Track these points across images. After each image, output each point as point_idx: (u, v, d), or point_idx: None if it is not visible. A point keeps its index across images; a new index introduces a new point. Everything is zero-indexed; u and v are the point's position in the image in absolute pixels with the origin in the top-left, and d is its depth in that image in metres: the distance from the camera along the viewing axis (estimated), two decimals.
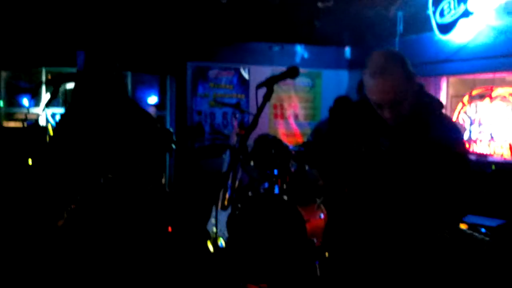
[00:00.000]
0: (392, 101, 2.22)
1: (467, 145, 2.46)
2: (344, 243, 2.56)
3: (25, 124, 5.27)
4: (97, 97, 2.80)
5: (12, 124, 7.00)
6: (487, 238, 3.47)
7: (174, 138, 2.73)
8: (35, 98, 7.03)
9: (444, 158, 2.25)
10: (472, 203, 2.35)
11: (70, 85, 7.00)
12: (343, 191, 2.53)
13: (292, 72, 2.02)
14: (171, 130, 2.59)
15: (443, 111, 2.43)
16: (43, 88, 7.03)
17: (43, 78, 6.84)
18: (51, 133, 6.37)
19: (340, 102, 5.50)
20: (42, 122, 6.81)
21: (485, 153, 6.14)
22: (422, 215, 2.29)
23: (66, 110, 2.98)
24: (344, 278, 2.54)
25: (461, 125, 6.48)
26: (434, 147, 2.25)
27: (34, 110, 6.72)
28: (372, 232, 2.41)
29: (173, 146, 2.69)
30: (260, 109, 1.94)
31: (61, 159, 2.83)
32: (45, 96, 6.81)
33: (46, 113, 6.89)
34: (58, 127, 2.97)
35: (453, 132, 2.35)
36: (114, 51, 2.77)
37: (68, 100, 6.73)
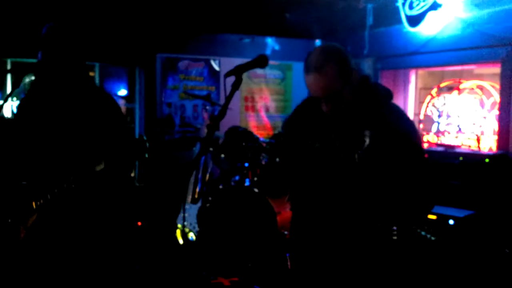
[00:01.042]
0: (326, 96, 2.28)
1: (419, 135, 2.49)
2: (302, 237, 2.57)
3: None
4: (58, 85, 2.70)
5: None
6: (433, 238, 3.54)
7: (147, 145, 2.66)
8: (0, 90, 6.87)
9: (398, 150, 2.27)
10: (436, 194, 2.37)
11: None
12: (302, 187, 2.55)
13: (261, 61, 1.99)
14: (144, 137, 2.53)
15: (392, 101, 2.46)
16: (8, 79, 6.87)
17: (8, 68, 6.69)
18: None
19: (307, 102, 5.51)
20: (6, 113, 6.66)
21: (453, 144, 6.22)
22: (377, 209, 2.31)
23: (22, 99, 2.87)
24: (303, 272, 2.56)
25: (430, 116, 6.56)
26: (388, 138, 2.28)
27: None
28: (328, 228, 2.42)
29: (146, 155, 2.61)
30: (229, 98, 1.91)
31: (22, 152, 2.75)
32: (10, 87, 6.66)
33: (11, 105, 6.74)
34: (15, 118, 2.87)
35: (405, 123, 2.37)
36: (79, 31, 2.67)
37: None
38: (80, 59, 2.71)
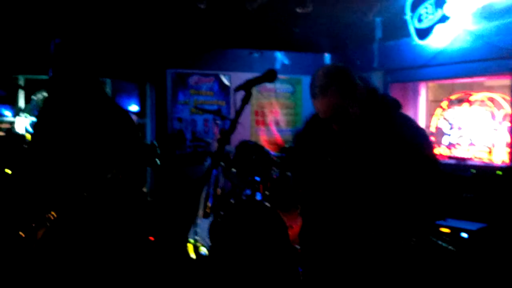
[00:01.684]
0: (333, 117, 2.36)
1: (433, 147, 2.49)
2: (315, 250, 2.57)
3: (0, 133, 5.19)
4: (69, 99, 2.74)
5: None
6: (451, 247, 3.52)
7: (158, 151, 2.68)
8: (13, 106, 6.94)
9: (412, 161, 2.29)
10: (448, 206, 2.38)
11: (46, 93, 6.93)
12: (314, 200, 2.56)
13: (270, 75, 2.01)
14: (155, 143, 2.55)
15: (402, 111, 2.49)
16: (20, 95, 6.95)
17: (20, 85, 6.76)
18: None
19: (317, 115, 5.52)
20: (19, 130, 6.72)
21: (464, 157, 6.19)
22: (391, 221, 2.31)
23: (39, 115, 2.91)
24: (316, 285, 2.55)
25: (440, 129, 6.53)
26: (399, 149, 2.30)
27: (10, 118, 6.63)
28: (341, 240, 2.42)
29: (157, 160, 2.64)
30: (239, 112, 1.93)
31: (39, 167, 2.78)
32: (23, 104, 6.72)
33: (24, 122, 6.80)
34: (33, 134, 2.91)
35: (418, 134, 2.40)
36: (90, 46, 2.71)
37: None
38: (89, 74, 2.73)
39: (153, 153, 2.64)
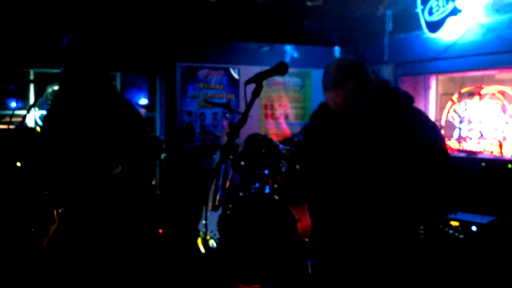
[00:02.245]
0: (346, 110, 2.34)
1: (444, 141, 2.50)
2: (324, 243, 2.58)
3: (11, 126, 5.22)
4: (81, 94, 2.75)
5: (0, 126, 6.94)
6: (461, 236, 3.51)
7: (164, 146, 2.69)
8: (23, 100, 6.98)
9: (424, 156, 2.30)
10: (458, 199, 2.38)
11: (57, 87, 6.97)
12: (323, 193, 2.56)
13: (281, 68, 2.01)
14: (162, 138, 2.55)
15: (414, 105, 2.50)
16: (31, 89, 6.98)
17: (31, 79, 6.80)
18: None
19: (324, 107, 5.52)
20: (30, 123, 6.76)
21: (475, 150, 6.16)
22: (402, 213, 2.32)
23: (48, 110, 2.93)
24: (325, 279, 2.56)
25: (451, 122, 6.50)
26: (411, 143, 2.31)
27: (21, 112, 6.67)
28: (352, 232, 2.43)
29: (162, 155, 2.65)
30: (249, 105, 1.93)
31: (48, 160, 2.79)
32: (33, 98, 6.76)
33: (34, 115, 6.84)
34: (43, 128, 2.93)
35: (430, 129, 2.41)
36: (101, 41, 2.72)
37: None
38: (102, 69, 2.75)
39: (159, 148, 2.65)
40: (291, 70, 2.01)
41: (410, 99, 2.49)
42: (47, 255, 2.67)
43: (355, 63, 2.37)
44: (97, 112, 2.74)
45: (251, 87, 1.99)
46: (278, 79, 8.19)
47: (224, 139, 5.61)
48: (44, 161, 2.82)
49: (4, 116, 7.08)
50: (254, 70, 2.06)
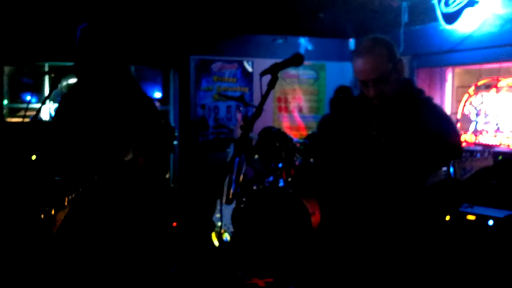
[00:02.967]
0: (375, 79, 2.38)
1: (458, 133, 2.54)
2: (340, 236, 2.59)
3: (26, 120, 5.26)
4: (97, 81, 2.75)
5: (15, 120, 6.99)
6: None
7: (176, 133, 2.68)
8: (38, 94, 7.02)
9: (437, 147, 2.35)
10: (474, 192, 2.38)
11: (73, 79, 7.00)
12: (338, 184, 2.59)
13: (296, 59, 1.99)
14: (173, 125, 2.57)
15: (433, 101, 2.58)
16: (46, 83, 7.02)
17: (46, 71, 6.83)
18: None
19: (340, 92, 5.50)
20: (44, 116, 6.80)
21: (491, 144, 6.08)
22: (416, 201, 2.35)
23: (61, 99, 2.94)
24: (343, 271, 2.57)
25: (467, 115, 6.43)
26: (425, 132, 2.37)
27: (36, 105, 6.71)
28: (369, 223, 2.42)
29: (175, 142, 2.64)
30: (265, 96, 1.91)
31: (59, 149, 2.80)
32: (48, 91, 6.80)
33: (49, 108, 6.88)
34: (54, 116, 2.93)
35: (446, 122, 2.47)
36: (114, 32, 2.72)
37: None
38: (116, 57, 2.74)
39: (171, 135, 2.64)
40: (305, 62, 2.00)
41: (429, 97, 2.56)
42: (57, 243, 2.68)
43: (387, 38, 2.48)
44: (109, 99, 2.74)
45: (266, 79, 1.97)
46: (292, 71, 8.15)
47: (238, 132, 5.60)
48: (55, 147, 2.82)
49: (19, 109, 7.12)
50: (268, 63, 2.04)
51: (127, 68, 2.91)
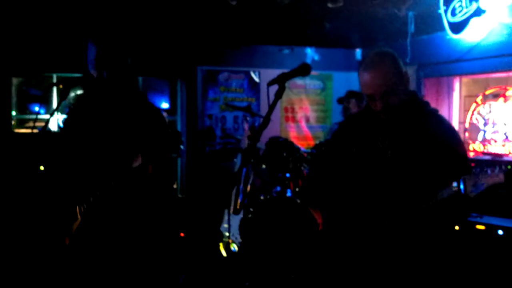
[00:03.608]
0: (382, 93, 2.38)
1: (464, 146, 2.55)
2: (342, 248, 2.59)
3: (35, 130, 5.29)
4: (108, 95, 2.78)
5: (23, 131, 7.03)
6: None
7: (182, 139, 2.72)
8: (46, 105, 7.06)
9: (444, 158, 2.35)
10: (481, 201, 2.37)
11: (81, 91, 7.04)
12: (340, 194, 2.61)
13: (304, 69, 2.00)
14: (179, 130, 2.60)
15: (439, 113, 2.58)
16: (54, 94, 7.06)
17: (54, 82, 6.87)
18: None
19: (351, 96, 5.51)
20: (53, 127, 6.83)
21: (500, 153, 6.06)
22: (425, 213, 2.34)
23: (70, 110, 2.97)
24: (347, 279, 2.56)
25: (475, 125, 6.41)
26: (432, 144, 2.37)
27: (44, 116, 6.74)
28: (374, 236, 2.42)
29: (181, 147, 2.68)
30: (272, 106, 1.92)
31: (69, 160, 2.81)
32: (56, 102, 6.84)
33: (57, 119, 6.91)
34: (64, 126, 2.96)
35: (452, 134, 2.47)
36: (126, 46, 2.76)
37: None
38: (126, 71, 2.78)
39: (177, 140, 2.67)
40: (312, 72, 2.01)
41: (435, 109, 2.57)
42: (71, 253, 2.69)
43: (392, 52, 2.48)
44: (119, 109, 2.77)
45: (273, 89, 1.98)
46: (299, 82, 8.17)
47: (245, 142, 5.60)
48: (65, 158, 2.84)
49: (27, 120, 7.16)
50: (275, 73, 2.05)
51: (136, 79, 2.95)
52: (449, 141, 2.40)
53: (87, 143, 2.76)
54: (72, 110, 2.95)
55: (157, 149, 2.59)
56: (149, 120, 2.77)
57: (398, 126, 2.45)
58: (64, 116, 6.89)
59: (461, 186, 2.22)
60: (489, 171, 2.23)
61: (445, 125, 2.50)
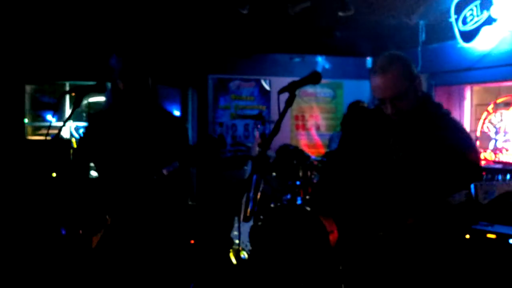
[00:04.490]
0: (392, 96, 2.38)
1: (477, 150, 2.53)
2: (357, 255, 2.58)
3: (48, 138, 5.34)
4: (130, 105, 2.85)
5: (36, 138, 7.09)
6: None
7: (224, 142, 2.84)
8: (59, 112, 7.12)
9: (456, 163, 2.32)
10: (493, 211, 2.36)
11: (93, 98, 7.10)
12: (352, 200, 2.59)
13: (314, 77, 2.02)
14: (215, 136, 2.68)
15: (451, 116, 2.56)
16: (67, 101, 7.12)
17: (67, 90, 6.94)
18: (75, 146, 6.44)
19: (353, 107, 5.52)
20: (65, 135, 6.89)
21: (511, 162, 6.02)
22: (436, 219, 2.34)
23: (92, 117, 3.04)
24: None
25: (486, 133, 6.38)
26: (444, 148, 2.35)
27: (57, 124, 6.81)
28: (386, 241, 2.41)
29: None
30: (283, 114, 1.94)
31: (87, 170, 2.87)
32: (69, 110, 6.90)
33: (70, 126, 6.97)
34: (88, 135, 3.00)
35: (464, 138, 2.45)
36: (149, 58, 2.86)
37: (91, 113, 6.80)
38: (147, 82, 2.86)
39: (221, 143, 2.76)
40: (322, 81, 2.03)
41: (448, 111, 2.56)
42: (96, 258, 2.74)
43: (404, 55, 2.50)
44: (147, 119, 2.83)
45: (284, 97, 2.00)
46: (309, 90, 8.18)
47: (256, 150, 5.61)
48: (84, 170, 2.90)
49: (40, 127, 7.23)
50: (285, 81, 2.07)
51: (156, 89, 3.05)
52: (461, 144, 2.38)
53: (117, 152, 2.82)
54: (95, 119, 3.00)
55: (189, 156, 2.67)
56: (174, 129, 2.86)
57: (409, 129, 2.45)
58: (78, 124, 6.97)
59: (472, 193, 2.20)
60: (500, 179, 2.22)
61: (458, 128, 2.48)
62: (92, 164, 2.97)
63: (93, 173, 2.98)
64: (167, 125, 2.91)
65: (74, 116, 6.52)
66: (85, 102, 6.47)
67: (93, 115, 3.08)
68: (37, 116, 7.27)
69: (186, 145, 2.87)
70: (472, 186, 2.20)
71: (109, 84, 2.87)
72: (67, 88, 7.12)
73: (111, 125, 2.89)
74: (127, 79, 2.78)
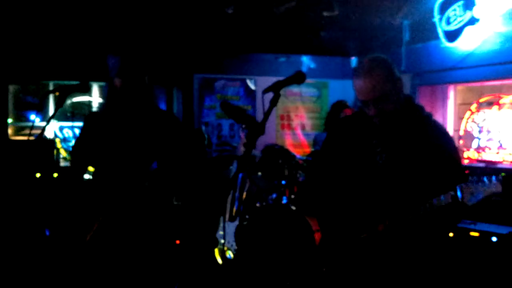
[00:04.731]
0: (375, 98, 2.39)
1: (459, 151, 2.56)
2: (340, 255, 2.60)
3: (31, 138, 5.29)
4: (127, 104, 2.85)
5: (19, 138, 7.03)
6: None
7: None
8: (43, 112, 7.07)
9: (440, 164, 2.35)
10: (475, 208, 2.36)
11: (77, 98, 7.05)
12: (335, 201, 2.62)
13: (298, 77, 2.02)
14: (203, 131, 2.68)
15: (433, 118, 2.58)
16: (51, 101, 7.07)
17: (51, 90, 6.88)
18: (59, 146, 6.39)
19: (336, 107, 5.56)
20: (49, 135, 6.83)
21: (494, 160, 6.09)
22: (416, 217, 2.34)
23: (87, 118, 3.01)
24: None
25: (470, 132, 6.44)
26: (427, 149, 2.37)
27: (41, 124, 6.76)
28: (369, 242, 2.42)
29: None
30: (267, 114, 1.94)
31: (83, 170, 2.86)
32: (52, 110, 6.84)
33: (53, 126, 6.92)
34: (85, 135, 2.98)
35: (447, 140, 2.47)
36: (147, 58, 2.86)
37: (75, 113, 6.76)
38: (145, 83, 2.86)
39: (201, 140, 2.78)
40: (307, 80, 2.04)
41: (429, 113, 2.57)
42: (85, 261, 2.74)
43: (386, 58, 2.49)
44: (143, 120, 2.83)
45: (268, 96, 2.00)
46: (295, 89, 8.20)
47: (241, 149, 5.62)
48: (79, 170, 2.89)
49: (24, 127, 7.16)
50: (271, 81, 2.08)
51: (152, 88, 3.06)
52: (444, 147, 2.40)
53: (113, 153, 2.81)
54: (91, 119, 2.99)
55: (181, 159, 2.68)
56: (173, 129, 2.86)
57: (392, 131, 2.47)
58: (62, 124, 6.92)
59: (458, 194, 2.21)
60: (486, 180, 2.23)
61: (440, 130, 2.50)
62: (89, 167, 2.96)
63: (86, 176, 2.97)
64: (166, 125, 2.92)
65: (57, 116, 6.50)
66: (68, 101, 6.43)
67: (89, 115, 3.03)
68: (21, 116, 7.21)
69: (189, 146, 2.87)
70: (458, 187, 2.21)
71: (93, 84, 2.87)
72: (51, 88, 7.06)
73: (107, 125, 2.87)
74: (125, 76, 2.76)
